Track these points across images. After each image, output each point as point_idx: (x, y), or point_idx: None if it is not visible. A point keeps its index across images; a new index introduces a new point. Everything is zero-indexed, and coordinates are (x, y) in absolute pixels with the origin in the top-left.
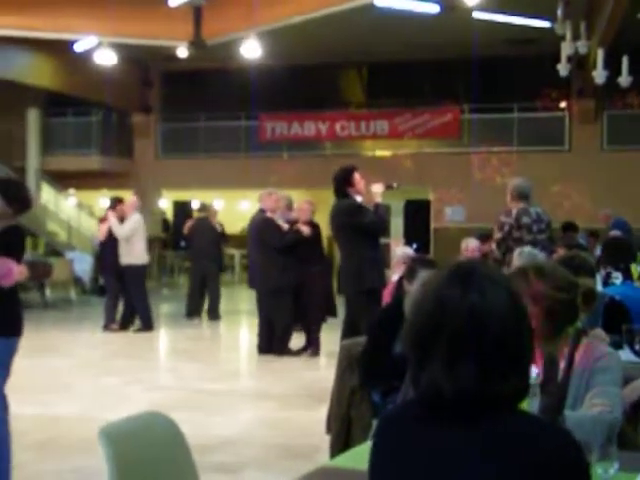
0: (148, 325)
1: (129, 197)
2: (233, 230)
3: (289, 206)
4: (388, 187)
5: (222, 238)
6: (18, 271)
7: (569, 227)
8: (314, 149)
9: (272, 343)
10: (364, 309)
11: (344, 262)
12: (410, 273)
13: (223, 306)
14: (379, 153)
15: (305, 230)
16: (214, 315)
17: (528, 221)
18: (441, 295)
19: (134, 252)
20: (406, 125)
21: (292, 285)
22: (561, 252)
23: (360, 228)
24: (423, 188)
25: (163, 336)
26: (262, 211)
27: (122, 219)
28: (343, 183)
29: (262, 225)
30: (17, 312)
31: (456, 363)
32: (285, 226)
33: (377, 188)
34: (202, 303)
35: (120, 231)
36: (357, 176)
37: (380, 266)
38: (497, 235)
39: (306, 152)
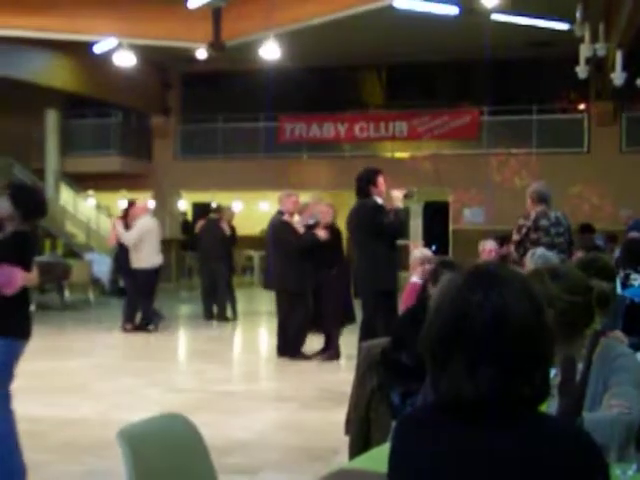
0: (147, 326)
1: (142, 200)
2: (252, 232)
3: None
4: (406, 196)
5: (230, 240)
6: (24, 278)
7: (586, 229)
8: (333, 150)
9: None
10: (380, 310)
11: (361, 262)
12: (434, 276)
13: (241, 307)
14: (398, 155)
15: (321, 235)
16: (222, 317)
17: (546, 224)
18: (461, 298)
19: (142, 257)
20: (425, 127)
21: (309, 289)
22: (579, 254)
23: (379, 228)
24: (442, 190)
25: (182, 337)
26: (280, 213)
27: (128, 225)
28: (367, 183)
29: (278, 227)
30: (22, 314)
31: (477, 366)
32: (301, 229)
33: (397, 193)
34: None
35: (126, 238)
36: (381, 179)
37: (396, 268)
38: (515, 237)
39: (325, 154)
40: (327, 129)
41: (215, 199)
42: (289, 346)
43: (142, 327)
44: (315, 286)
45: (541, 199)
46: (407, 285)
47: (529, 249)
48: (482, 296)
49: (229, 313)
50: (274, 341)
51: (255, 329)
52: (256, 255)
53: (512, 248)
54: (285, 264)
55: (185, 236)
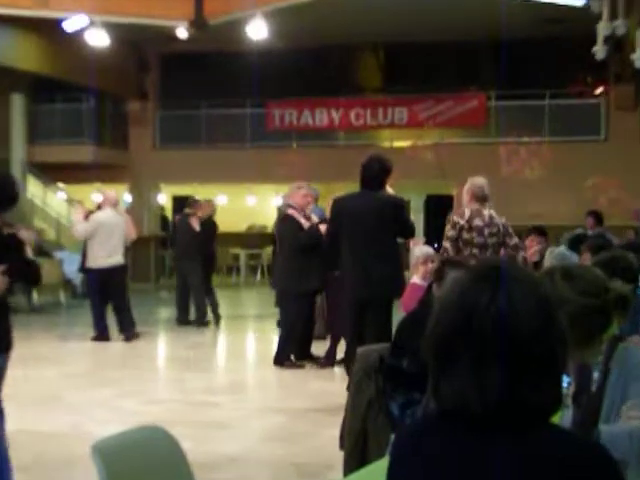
0: (103, 335)
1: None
2: (238, 228)
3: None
4: None
5: (204, 237)
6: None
7: (595, 215)
8: (326, 139)
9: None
10: (389, 317)
11: (378, 264)
12: (439, 276)
13: (226, 310)
14: (397, 144)
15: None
16: (201, 321)
17: (480, 224)
18: (466, 298)
19: (92, 255)
20: (427, 113)
21: (312, 290)
22: (587, 255)
23: (404, 226)
24: (445, 182)
25: (160, 343)
26: (289, 207)
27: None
28: (384, 174)
29: (280, 222)
30: (3, 327)
31: (482, 371)
32: (306, 224)
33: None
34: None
35: (76, 230)
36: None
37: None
38: (450, 232)
39: (317, 142)
40: (320, 116)
41: (197, 192)
42: (282, 351)
43: (99, 337)
44: (318, 288)
45: (477, 196)
46: (407, 287)
47: (462, 249)
48: (489, 295)
49: (210, 316)
50: (261, 347)
51: (240, 334)
52: (242, 253)
53: (448, 244)
54: (288, 262)
55: (164, 233)
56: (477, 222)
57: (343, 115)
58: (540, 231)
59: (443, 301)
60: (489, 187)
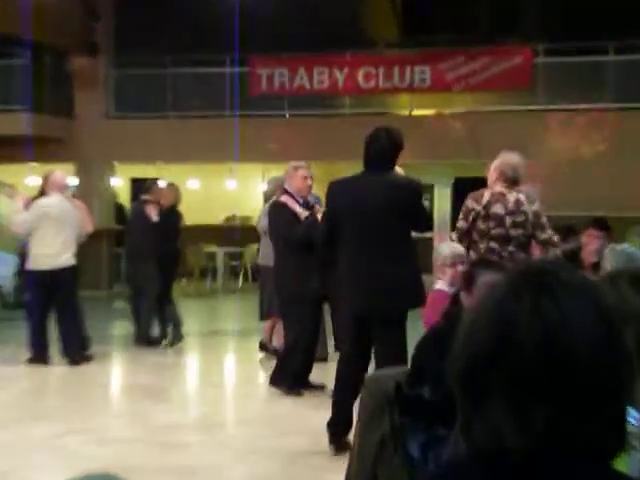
0: (41, 356)
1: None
2: (214, 220)
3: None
4: None
5: (161, 230)
6: None
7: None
8: (327, 107)
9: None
10: (404, 333)
11: (389, 267)
12: (469, 281)
13: (199, 325)
14: (418, 112)
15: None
16: (143, 338)
17: (500, 211)
18: (502, 310)
19: (34, 253)
20: (456, 73)
21: (314, 296)
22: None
23: (418, 216)
24: (479, 161)
25: (115, 367)
26: (285, 192)
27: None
28: (395, 151)
29: (272, 212)
30: None
31: (524, 403)
32: (304, 213)
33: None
34: (161, 321)
35: (15, 223)
36: None
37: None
38: (460, 223)
39: (316, 111)
40: (319, 77)
41: (163, 174)
42: (281, 373)
43: (36, 359)
44: (321, 293)
45: (510, 178)
46: (430, 294)
47: (477, 242)
48: (532, 308)
49: (168, 334)
50: (244, 371)
51: (217, 355)
52: (220, 252)
53: (454, 236)
54: (282, 262)
55: (120, 226)
56: (497, 209)
57: (349, 76)
58: (600, 224)
59: (473, 314)
60: (525, 168)
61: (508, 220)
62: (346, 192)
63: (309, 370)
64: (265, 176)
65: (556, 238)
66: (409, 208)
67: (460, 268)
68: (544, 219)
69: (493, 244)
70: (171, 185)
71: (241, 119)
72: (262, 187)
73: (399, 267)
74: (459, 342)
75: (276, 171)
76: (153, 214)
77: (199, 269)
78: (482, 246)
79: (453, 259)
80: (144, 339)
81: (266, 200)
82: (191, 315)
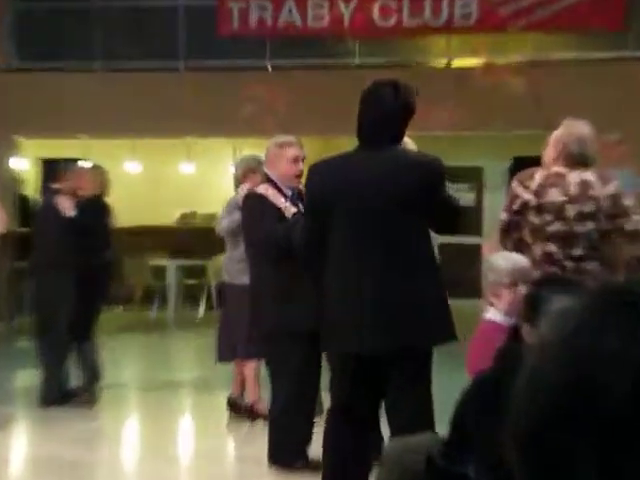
0: None
1: None
2: (163, 219)
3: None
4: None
5: (79, 230)
6: None
7: None
8: (327, 55)
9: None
10: (428, 382)
11: (399, 284)
12: (531, 309)
13: (137, 372)
14: (459, 62)
15: None
16: (51, 393)
17: (559, 198)
18: (583, 348)
19: None
20: (512, 6)
21: (307, 328)
22: None
23: (444, 210)
24: (546, 133)
25: (19, 435)
26: (267, 180)
27: None
28: (404, 114)
29: (245, 208)
30: None
31: (618, 476)
32: (292, 209)
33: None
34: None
35: None
36: None
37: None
38: (503, 215)
39: (311, 61)
40: (315, 11)
41: (87, 154)
42: (270, 443)
43: None
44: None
45: (576, 156)
46: (479, 327)
47: (530, 245)
48: (621, 342)
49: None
50: (205, 439)
51: (164, 416)
52: (172, 266)
53: (496, 238)
54: (257, 279)
55: (26, 228)
56: (554, 195)
57: (358, 9)
58: None
59: (540, 354)
60: (605, 144)
61: (571, 210)
62: (334, 177)
63: (307, 439)
64: (237, 156)
65: None
66: (425, 198)
67: (522, 290)
68: (628, 201)
69: (551, 246)
70: (94, 168)
71: (202, 74)
72: (233, 170)
73: (416, 283)
74: (521, 394)
75: (251, 148)
76: (66, 207)
77: (141, 291)
78: (536, 250)
79: (512, 277)
80: (53, 394)
81: (237, 186)
82: (130, 357)
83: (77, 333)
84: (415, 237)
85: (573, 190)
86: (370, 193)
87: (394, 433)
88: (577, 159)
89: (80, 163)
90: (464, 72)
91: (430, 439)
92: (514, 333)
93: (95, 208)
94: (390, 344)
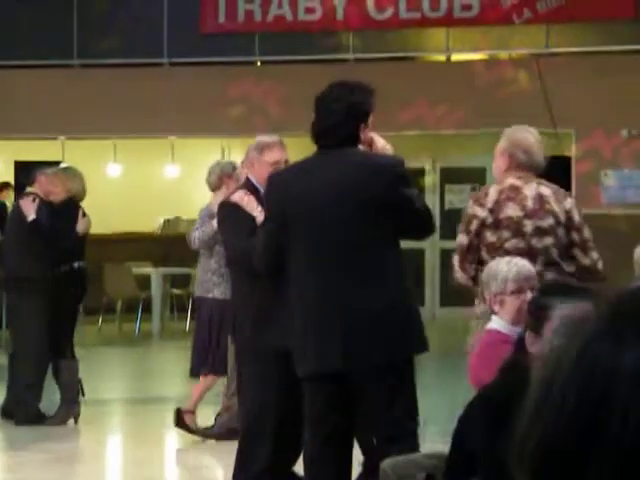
0: None
1: None
2: (145, 225)
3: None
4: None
5: (47, 237)
6: None
7: None
8: (321, 49)
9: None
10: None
11: (363, 295)
12: (537, 317)
13: (120, 389)
14: (459, 56)
15: None
16: (23, 413)
17: (516, 213)
18: (595, 360)
19: None
20: None
21: (282, 349)
22: None
23: (411, 213)
24: (555, 133)
25: None
26: (248, 185)
27: None
28: (360, 119)
29: (220, 218)
30: None
31: None
32: (260, 217)
33: (385, 144)
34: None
35: None
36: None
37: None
38: (458, 239)
39: (304, 56)
40: (307, 3)
41: (66, 156)
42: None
43: None
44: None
45: (527, 163)
46: (482, 338)
47: (485, 261)
48: (635, 357)
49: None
50: (194, 459)
51: (149, 436)
52: (157, 275)
53: (455, 262)
54: (236, 292)
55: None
56: (510, 210)
57: (351, 1)
58: None
59: (549, 368)
60: (539, 146)
61: (529, 226)
62: (291, 185)
63: (293, 460)
64: (226, 157)
65: (600, 265)
66: (382, 201)
67: (529, 296)
68: (586, 232)
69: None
70: (66, 171)
71: (186, 69)
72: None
73: (377, 294)
74: (528, 411)
75: (241, 148)
76: (28, 211)
77: (124, 301)
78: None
79: (517, 283)
80: (28, 413)
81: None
82: (112, 373)
83: (55, 349)
84: (375, 244)
85: (530, 204)
86: (324, 200)
87: (365, 453)
88: (527, 167)
89: (63, 166)
90: (464, 66)
91: (429, 457)
92: (518, 346)
93: (66, 214)
94: (360, 354)
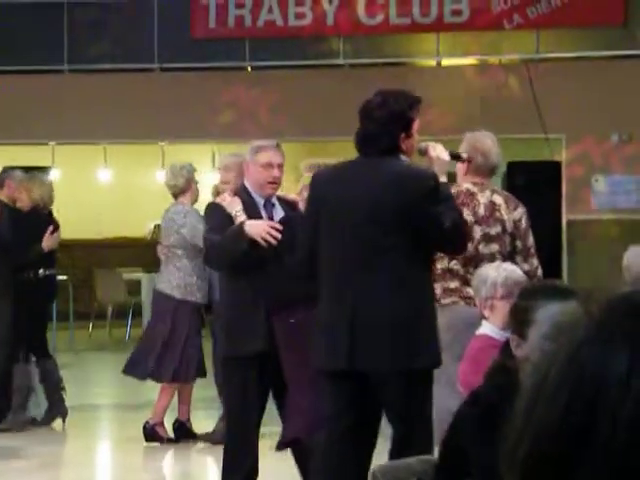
0: None
1: None
2: (135, 231)
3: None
4: (455, 157)
5: (13, 244)
6: None
7: None
8: (311, 55)
9: None
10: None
11: (389, 304)
12: (520, 319)
13: (111, 395)
14: (449, 62)
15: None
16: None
17: (468, 219)
18: (584, 365)
19: None
20: (509, 3)
21: (252, 352)
22: None
23: (443, 228)
24: (545, 138)
25: None
26: (242, 189)
27: None
28: (399, 127)
29: (205, 219)
30: None
31: None
32: (241, 217)
33: (442, 152)
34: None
35: None
36: (417, 121)
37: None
38: None
39: (295, 62)
40: (297, 9)
41: (55, 161)
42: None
43: None
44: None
45: (486, 167)
46: (472, 342)
47: (435, 261)
48: (628, 364)
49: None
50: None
51: (138, 441)
52: (147, 280)
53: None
54: (222, 294)
55: None
56: (464, 216)
57: (343, 6)
58: None
59: (538, 374)
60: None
61: (478, 231)
62: (327, 186)
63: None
64: (217, 162)
65: (540, 272)
66: (413, 213)
67: (513, 302)
68: (530, 240)
69: (454, 265)
70: (32, 177)
71: (176, 74)
72: (212, 178)
73: (401, 302)
74: (519, 415)
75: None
76: None
77: (115, 307)
78: (439, 266)
79: (507, 288)
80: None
81: (175, 196)
82: (102, 378)
83: (36, 353)
84: (400, 253)
85: (482, 211)
86: (356, 205)
87: (396, 454)
88: (484, 171)
89: (30, 173)
90: (455, 71)
91: (421, 462)
92: (505, 349)
93: (33, 221)
94: (379, 356)
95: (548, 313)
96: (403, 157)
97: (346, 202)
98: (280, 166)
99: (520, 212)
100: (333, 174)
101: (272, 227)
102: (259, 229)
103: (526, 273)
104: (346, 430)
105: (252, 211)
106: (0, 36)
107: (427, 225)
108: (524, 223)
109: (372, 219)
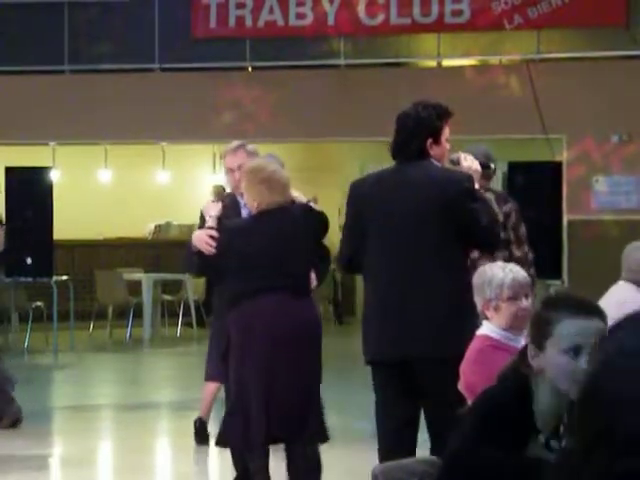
0: None
1: None
2: (135, 231)
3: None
4: (484, 167)
5: None
6: None
7: None
8: (312, 55)
9: None
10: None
11: (437, 302)
12: (542, 332)
13: (111, 395)
14: (450, 62)
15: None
16: None
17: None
18: (599, 387)
19: None
20: (509, 3)
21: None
22: None
23: (481, 227)
24: (547, 138)
25: None
26: (229, 192)
27: None
28: (426, 134)
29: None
30: None
31: None
32: (210, 222)
33: (473, 162)
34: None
35: None
36: (447, 129)
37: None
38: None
39: (295, 62)
40: (298, 9)
41: (56, 161)
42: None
43: None
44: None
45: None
46: (471, 346)
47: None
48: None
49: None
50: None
51: (137, 442)
52: (148, 281)
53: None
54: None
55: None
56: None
57: (343, 6)
58: None
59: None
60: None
61: None
62: (369, 190)
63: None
64: (217, 162)
65: (531, 256)
66: (453, 213)
67: (524, 304)
68: (522, 230)
69: None
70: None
71: (177, 75)
72: (212, 179)
73: (448, 302)
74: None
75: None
76: None
77: (115, 307)
78: None
79: (514, 290)
80: None
81: None
82: (103, 378)
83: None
84: (441, 252)
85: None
86: (398, 207)
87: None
88: (487, 176)
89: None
90: (455, 72)
91: (421, 462)
92: (521, 356)
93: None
94: (422, 343)
95: (568, 330)
96: (435, 162)
97: (389, 203)
98: (240, 167)
99: (509, 207)
100: (373, 178)
101: (208, 235)
102: (198, 240)
103: (519, 258)
104: (401, 417)
105: (234, 211)
106: (0, 36)
107: (467, 222)
108: (514, 216)
109: (416, 218)
